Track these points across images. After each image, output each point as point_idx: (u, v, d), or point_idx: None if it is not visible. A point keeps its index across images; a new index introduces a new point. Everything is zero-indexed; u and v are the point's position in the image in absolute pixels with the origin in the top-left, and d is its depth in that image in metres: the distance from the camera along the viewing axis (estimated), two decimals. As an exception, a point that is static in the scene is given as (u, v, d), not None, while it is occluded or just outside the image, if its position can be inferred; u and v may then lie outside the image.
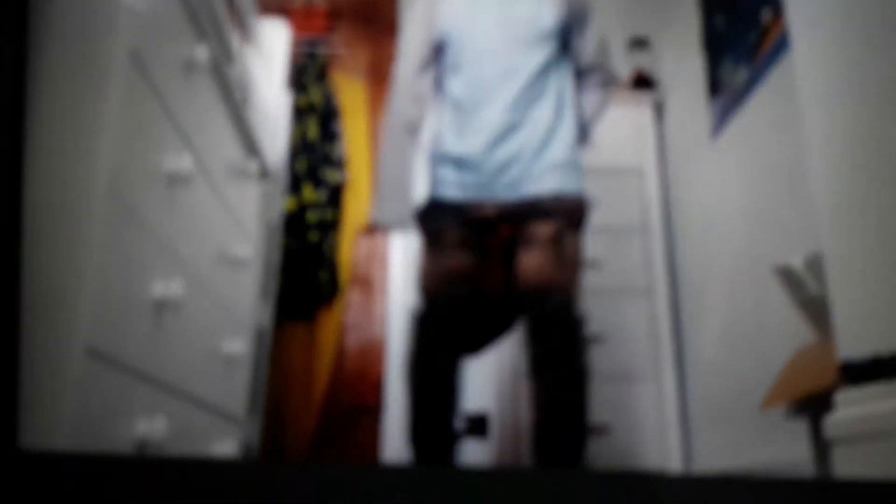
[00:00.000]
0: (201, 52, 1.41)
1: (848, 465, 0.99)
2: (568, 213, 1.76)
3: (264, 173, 2.10)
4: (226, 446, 1.65)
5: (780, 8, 1.90)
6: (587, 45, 1.92)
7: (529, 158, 1.76)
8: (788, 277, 1.52)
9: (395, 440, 2.72)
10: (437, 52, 1.91)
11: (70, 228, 0.98)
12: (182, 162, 1.29)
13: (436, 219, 1.82)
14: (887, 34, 0.97)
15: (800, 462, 1.50)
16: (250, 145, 1.91)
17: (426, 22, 1.91)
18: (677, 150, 2.83)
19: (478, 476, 0.80)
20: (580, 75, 1.94)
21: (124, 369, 1.10)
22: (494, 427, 2.52)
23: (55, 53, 1.01)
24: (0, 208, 0.85)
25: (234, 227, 1.76)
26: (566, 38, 1.88)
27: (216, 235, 1.63)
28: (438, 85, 1.92)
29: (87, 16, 1.06)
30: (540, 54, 1.81)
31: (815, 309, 1.44)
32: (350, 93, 3.25)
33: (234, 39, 1.72)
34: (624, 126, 2.89)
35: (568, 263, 1.72)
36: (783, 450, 1.68)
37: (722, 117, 2.35)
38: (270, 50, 2.37)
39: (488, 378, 2.61)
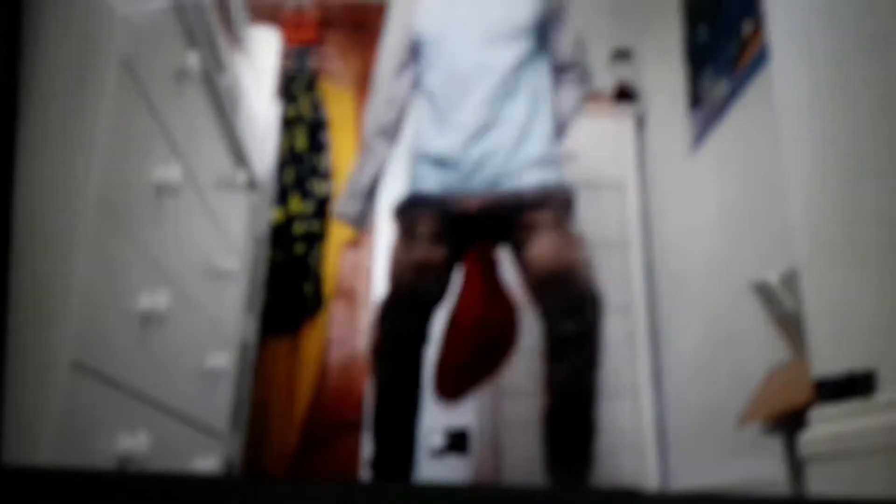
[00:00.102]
0: (192, 61, 1.41)
1: (822, 482, 1.00)
2: (557, 202, 1.77)
3: (252, 184, 2.10)
4: (208, 462, 1.64)
5: (760, 21, 1.92)
6: (563, 43, 1.93)
7: (506, 155, 1.77)
8: (764, 293, 1.53)
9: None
10: (415, 53, 1.92)
11: (58, 239, 0.98)
12: (171, 172, 1.29)
13: (412, 211, 1.83)
14: (866, 48, 0.98)
15: (776, 479, 1.51)
16: (239, 155, 1.92)
17: (403, 24, 1.93)
18: (657, 163, 2.83)
19: (459, 493, 0.81)
20: (557, 73, 1.94)
21: (108, 383, 1.10)
22: (475, 443, 2.52)
23: (47, 61, 1.01)
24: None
25: (221, 239, 1.76)
26: (542, 35, 1.89)
27: (203, 247, 1.62)
28: (418, 85, 1.93)
29: (79, 23, 1.07)
30: (515, 51, 1.81)
31: (791, 325, 1.45)
32: (339, 103, 3.25)
33: (225, 47, 1.72)
34: (605, 139, 2.89)
35: (577, 243, 1.73)
36: (760, 467, 1.68)
37: (702, 130, 2.36)
38: (260, 59, 2.37)
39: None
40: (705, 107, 2.33)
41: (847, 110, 1.02)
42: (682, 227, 2.57)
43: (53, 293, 0.97)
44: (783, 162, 1.18)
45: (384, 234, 1.99)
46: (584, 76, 1.98)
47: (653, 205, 2.83)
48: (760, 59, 1.91)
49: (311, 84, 3.20)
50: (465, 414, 2.55)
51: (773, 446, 1.52)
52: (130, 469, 1.13)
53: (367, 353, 1.81)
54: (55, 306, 0.97)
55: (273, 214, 2.81)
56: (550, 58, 1.92)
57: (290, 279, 2.89)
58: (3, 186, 0.89)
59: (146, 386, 1.25)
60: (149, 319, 1.24)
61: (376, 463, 1.73)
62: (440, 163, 1.80)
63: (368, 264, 3.08)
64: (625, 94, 3.01)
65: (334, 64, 3.33)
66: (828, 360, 1.03)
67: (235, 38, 1.96)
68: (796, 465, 1.38)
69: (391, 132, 1.93)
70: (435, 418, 2.54)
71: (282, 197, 2.94)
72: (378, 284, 2.99)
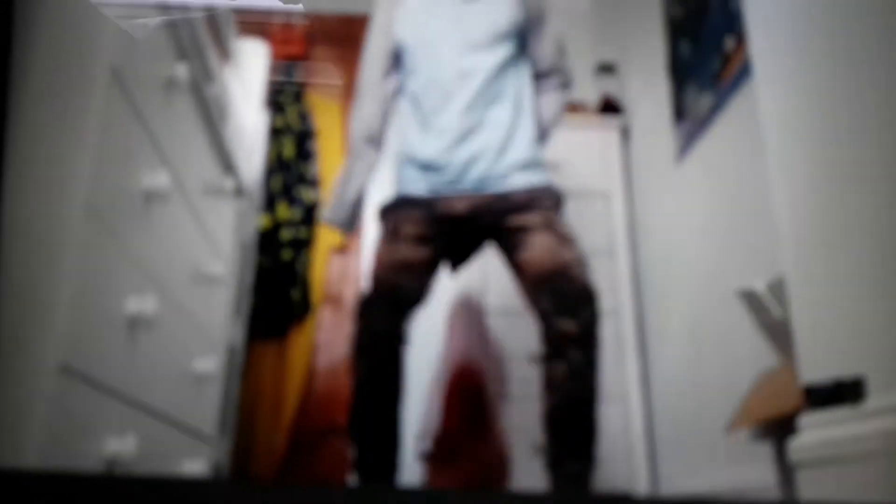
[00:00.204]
0: (181, 71, 1.42)
1: (812, 488, 1.00)
2: (546, 203, 1.77)
3: (240, 191, 2.11)
4: (196, 465, 1.64)
5: (742, 36, 1.94)
6: (544, 48, 1.94)
7: (492, 158, 1.78)
8: (751, 301, 1.54)
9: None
10: (397, 60, 1.93)
11: (47, 244, 0.98)
12: (159, 179, 1.30)
13: (397, 212, 1.83)
14: (847, 62, 0.99)
15: (766, 485, 1.51)
16: (227, 163, 1.92)
17: (384, 31, 1.93)
18: (643, 174, 2.86)
19: (452, 498, 0.81)
20: (538, 78, 1.95)
21: (96, 386, 1.09)
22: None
23: (37, 70, 1.01)
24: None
25: (208, 245, 1.76)
26: (523, 40, 1.90)
27: (191, 253, 1.62)
28: (401, 91, 1.94)
29: (69, 33, 1.07)
30: (496, 55, 1.82)
31: (778, 332, 1.46)
32: (326, 113, 3.26)
33: (214, 59, 1.73)
34: (591, 150, 2.92)
35: (570, 242, 1.72)
36: (749, 472, 1.69)
37: (687, 142, 2.38)
38: (249, 71, 2.38)
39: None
40: (690, 119, 2.36)
41: (829, 122, 1.03)
42: (668, 235, 2.59)
43: (42, 297, 0.97)
44: (768, 172, 1.19)
45: (371, 239, 1.99)
46: (565, 81, 1.99)
47: (639, 214, 2.85)
48: (743, 73, 1.94)
49: (298, 95, 3.21)
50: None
51: (763, 451, 1.52)
52: (118, 472, 1.12)
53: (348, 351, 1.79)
54: (43, 310, 0.96)
55: (261, 221, 2.81)
56: (531, 63, 1.93)
57: (278, 284, 2.89)
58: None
59: (134, 389, 1.25)
60: (136, 323, 1.24)
61: (358, 461, 1.71)
62: (426, 167, 1.81)
63: (355, 270, 3.08)
64: (610, 107, 3.04)
65: (321, 76, 3.34)
66: (816, 367, 1.03)
67: (224, 51, 1.96)
68: (786, 471, 1.38)
69: (377, 138, 1.94)
70: (425, 424, 2.54)
71: (269, 204, 2.95)
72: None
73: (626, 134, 2.99)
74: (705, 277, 2.22)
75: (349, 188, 1.91)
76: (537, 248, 1.71)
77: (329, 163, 3.18)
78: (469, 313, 2.00)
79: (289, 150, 3.08)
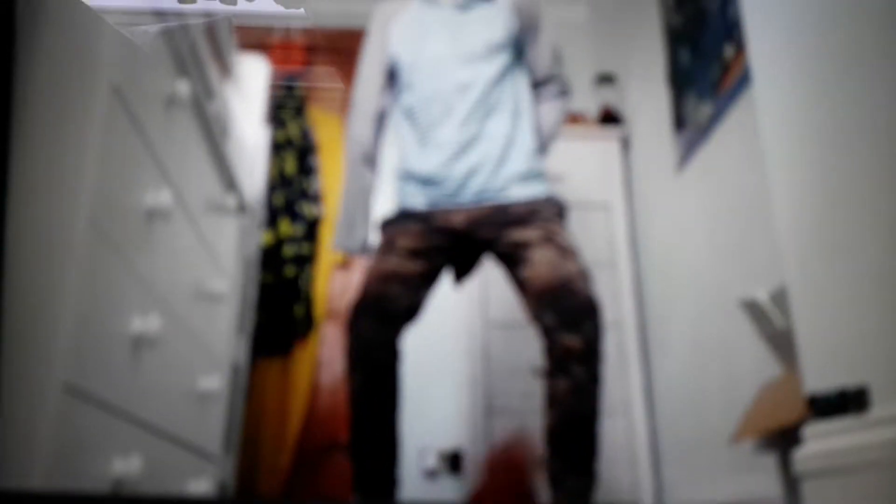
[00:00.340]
0: (182, 88, 1.43)
1: (817, 499, 1.00)
2: (546, 216, 1.76)
3: (242, 208, 2.11)
4: (201, 484, 1.63)
5: (742, 44, 1.94)
6: (541, 56, 1.94)
7: (490, 171, 1.77)
8: (754, 311, 1.54)
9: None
10: (392, 76, 1.93)
11: (50, 263, 0.98)
12: (161, 197, 1.30)
13: (396, 225, 1.83)
14: (847, 69, 1.00)
15: (770, 496, 1.51)
16: (228, 180, 1.92)
17: (380, 47, 1.93)
18: (644, 184, 2.85)
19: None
20: (536, 87, 1.95)
21: (101, 406, 1.09)
22: (468, 464, 2.52)
23: (39, 88, 1.02)
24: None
25: (211, 262, 1.76)
26: (519, 49, 1.90)
27: (193, 270, 1.63)
28: (397, 106, 1.94)
29: (70, 51, 1.08)
30: (492, 66, 1.82)
31: (781, 342, 1.46)
32: (327, 128, 3.27)
33: (214, 75, 1.74)
34: (591, 161, 2.93)
35: (571, 255, 1.71)
36: (754, 483, 1.68)
37: (687, 151, 2.38)
38: (249, 85, 2.38)
39: (462, 415, 2.61)
40: (690, 128, 2.36)
41: (829, 130, 1.03)
42: (669, 245, 2.58)
43: (46, 317, 0.97)
44: (768, 181, 1.19)
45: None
46: (563, 89, 1.99)
47: (640, 224, 2.85)
48: (743, 81, 1.94)
49: (299, 109, 3.22)
50: (459, 435, 2.55)
51: (768, 462, 1.52)
52: (123, 492, 1.12)
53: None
54: (47, 330, 0.96)
55: (263, 237, 2.81)
56: (529, 72, 1.93)
57: (281, 301, 2.89)
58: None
59: (138, 408, 1.24)
60: (140, 342, 1.24)
61: (355, 476, 1.70)
62: (425, 181, 1.81)
63: (359, 286, 3.08)
64: (610, 118, 3.04)
65: (322, 89, 3.35)
66: (819, 377, 1.03)
67: (225, 66, 1.97)
68: (791, 482, 1.38)
69: (372, 157, 1.94)
70: (429, 439, 2.54)
71: (272, 220, 2.95)
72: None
73: (626, 144, 2.99)
74: (707, 287, 2.22)
75: (352, 213, 1.91)
76: (538, 263, 1.70)
77: (331, 177, 3.18)
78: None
79: (290, 165, 3.08)
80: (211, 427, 1.81)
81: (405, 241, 1.79)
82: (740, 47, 1.96)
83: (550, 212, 1.78)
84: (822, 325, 1.04)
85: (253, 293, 2.53)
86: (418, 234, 1.79)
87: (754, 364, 1.70)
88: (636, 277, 2.80)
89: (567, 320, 1.64)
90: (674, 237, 2.53)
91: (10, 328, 0.90)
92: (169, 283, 1.42)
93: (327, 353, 3.01)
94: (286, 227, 2.98)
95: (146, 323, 1.23)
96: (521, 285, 1.74)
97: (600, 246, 2.81)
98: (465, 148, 1.78)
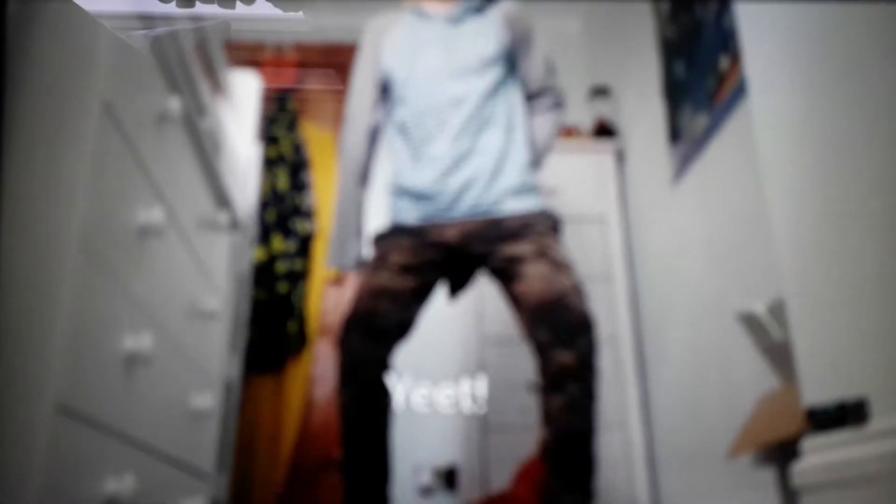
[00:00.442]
0: (174, 104, 1.42)
1: (817, 512, 0.99)
2: (539, 230, 1.75)
3: (234, 224, 2.10)
4: (195, 503, 1.62)
5: (737, 55, 1.95)
6: (534, 68, 1.93)
7: (484, 185, 1.77)
8: (751, 323, 1.53)
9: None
10: (384, 91, 1.93)
11: (41, 281, 0.98)
12: (153, 214, 1.29)
13: (388, 240, 1.82)
14: (842, 79, 1.00)
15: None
16: (221, 197, 1.92)
17: (372, 62, 1.93)
18: (639, 196, 2.86)
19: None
20: (530, 99, 1.95)
21: (93, 425, 1.08)
22: (463, 480, 2.50)
23: (29, 104, 1.01)
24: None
25: (203, 280, 1.75)
26: (512, 61, 1.89)
27: (186, 288, 1.62)
28: (391, 122, 1.94)
29: (61, 67, 1.07)
30: (485, 80, 1.82)
31: (779, 355, 1.46)
32: (320, 143, 3.27)
33: (206, 91, 1.74)
34: (586, 174, 2.94)
35: (565, 270, 1.70)
36: (753, 497, 1.68)
37: (683, 163, 2.38)
38: (241, 101, 2.38)
39: (456, 432, 2.60)
40: (685, 140, 2.36)
41: (825, 140, 1.04)
42: (665, 258, 2.58)
43: (37, 336, 0.96)
44: (765, 193, 1.19)
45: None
46: (557, 101, 1.99)
47: (636, 237, 2.85)
48: (738, 92, 1.94)
49: (292, 125, 3.22)
50: (454, 451, 2.54)
51: (766, 476, 1.51)
52: (116, 513, 1.10)
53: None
54: (39, 349, 0.95)
55: (255, 253, 2.80)
56: (522, 84, 1.93)
57: (274, 318, 2.88)
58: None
59: (131, 427, 1.23)
60: (133, 361, 1.23)
61: (345, 494, 1.67)
62: (419, 197, 1.80)
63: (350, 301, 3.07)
64: (605, 130, 3.05)
65: (314, 105, 3.35)
66: (817, 389, 1.03)
67: (216, 83, 1.97)
68: (790, 496, 1.37)
69: (364, 174, 1.93)
70: (424, 455, 2.53)
71: (264, 236, 2.94)
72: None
73: (621, 157, 3.00)
74: (704, 300, 2.22)
75: (345, 229, 1.90)
76: (532, 278, 1.69)
77: (324, 193, 3.18)
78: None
79: (283, 181, 3.08)
80: (204, 445, 1.79)
81: (397, 257, 1.78)
82: (735, 58, 1.96)
83: (544, 226, 1.77)
84: (821, 338, 1.04)
85: (246, 310, 2.52)
86: (411, 249, 1.78)
87: (752, 377, 1.69)
88: (632, 291, 2.79)
89: (561, 336, 1.63)
90: (670, 250, 2.53)
91: (2, 347, 0.89)
92: (161, 301, 1.41)
93: (321, 369, 3.00)
94: (279, 243, 2.98)
95: (138, 341, 1.22)
96: (515, 300, 1.73)
97: (596, 259, 2.81)
98: (458, 162, 1.78)
